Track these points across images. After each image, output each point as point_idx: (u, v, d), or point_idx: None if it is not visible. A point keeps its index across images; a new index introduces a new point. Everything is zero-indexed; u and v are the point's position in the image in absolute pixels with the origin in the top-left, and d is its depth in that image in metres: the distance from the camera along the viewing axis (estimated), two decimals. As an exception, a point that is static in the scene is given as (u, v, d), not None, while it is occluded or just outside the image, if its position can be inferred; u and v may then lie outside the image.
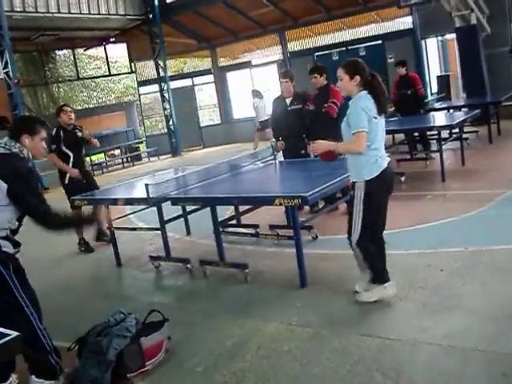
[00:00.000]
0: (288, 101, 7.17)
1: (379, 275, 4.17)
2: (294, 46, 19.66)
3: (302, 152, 7.07)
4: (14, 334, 1.99)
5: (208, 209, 5.46)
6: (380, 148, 4.05)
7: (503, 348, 3.25)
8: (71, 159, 7.06)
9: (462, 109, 11.27)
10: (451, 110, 11.81)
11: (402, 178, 8.30)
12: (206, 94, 22.41)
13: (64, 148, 7.04)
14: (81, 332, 3.73)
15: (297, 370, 3.39)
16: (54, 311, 4.98)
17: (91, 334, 3.62)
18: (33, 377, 3.49)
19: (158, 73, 19.38)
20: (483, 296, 4.03)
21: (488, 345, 3.32)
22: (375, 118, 3.97)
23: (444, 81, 15.82)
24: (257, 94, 15.36)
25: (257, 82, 19.91)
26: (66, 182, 7.10)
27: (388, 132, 9.41)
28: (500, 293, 4.04)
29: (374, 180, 3.99)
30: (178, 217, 6.66)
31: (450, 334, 3.53)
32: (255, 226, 6.51)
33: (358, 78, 4.04)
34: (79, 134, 7.23)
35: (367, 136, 3.91)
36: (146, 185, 5.26)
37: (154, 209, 5.72)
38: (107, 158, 19.58)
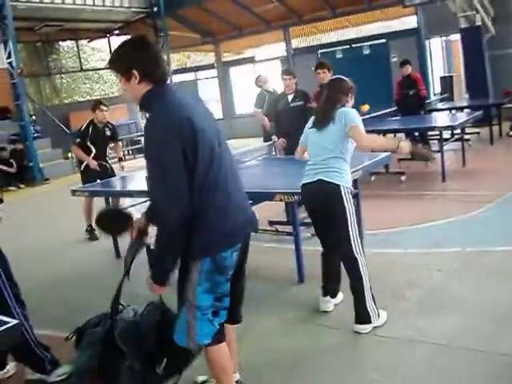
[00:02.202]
0: (290, 97, 7.19)
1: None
2: (297, 42, 19.63)
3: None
4: (14, 321, 2.00)
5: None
6: (311, 160, 3.93)
7: (498, 349, 3.27)
8: (92, 154, 7.41)
9: (465, 110, 11.27)
10: (453, 111, 11.81)
11: (403, 178, 8.33)
12: (208, 88, 22.38)
13: (88, 143, 7.37)
14: (79, 322, 3.74)
15: (291, 366, 3.41)
16: (53, 302, 5.01)
17: (89, 324, 3.63)
18: (26, 367, 3.52)
19: (162, 66, 19.33)
20: (480, 297, 4.05)
21: (483, 345, 3.33)
22: (309, 127, 4.01)
23: (447, 81, 15.80)
24: None
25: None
26: (82, 168, 7.53)
27: (390, 131, 9.59)
28: (496, 294, 4.06)
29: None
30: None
31: (445, 333, 3.55)
32: (254, 222, 6.50)
33: None
34: (108, 132, 7.55)
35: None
36: (147, 177, 5.26)
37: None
38: (109, 151, 19.53)
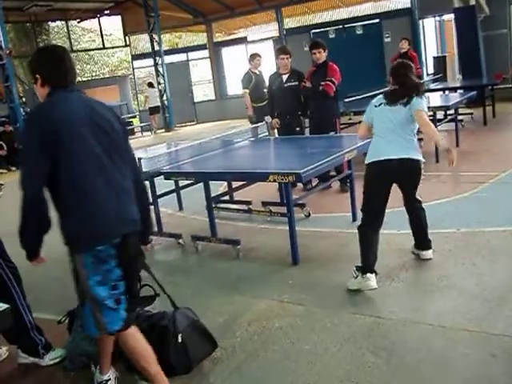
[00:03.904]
0: (284, 77, 7.10)
1: (363, 264, 4.06)
2: (290, 22, 19.47)
3: (297, 129, 7.04)
4: (4, 306, 1.96)
5: (201, 184, 5.43)
6: (382, 135, 4.15)
7: (493, 329, 3.27)
8: None
9: (458, 90, 11.22)
10: (447, 91, 11.76)
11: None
12: (200, 69, 22.20)
13: None
14: (71, 305, 3.70)
15: (287, 347, 3.40)
16: (44, 285, 4.97)
17: (81, 307, 3.59)
18: (19, 351, 3.51)
19: (153, 47, 19.14)
20: (474, 277, 4.04)
21: (478, 325, 3.33)
22: (376, 106, 4.24)
23: (440, 62, 15.72)
24: (150, 85, 19.35)
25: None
26: None
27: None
28: (491, 274, 4.06)
29: (369, 166, 4.16)
30: (171, 192, 6.62)
31: (440, 314, 3.54)
32: (248, 203, 6.48)
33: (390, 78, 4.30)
34: None
35: (371, 123, 4.27)
36: (139, 158, 5.21)
37: (147, 183, 5.67)
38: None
